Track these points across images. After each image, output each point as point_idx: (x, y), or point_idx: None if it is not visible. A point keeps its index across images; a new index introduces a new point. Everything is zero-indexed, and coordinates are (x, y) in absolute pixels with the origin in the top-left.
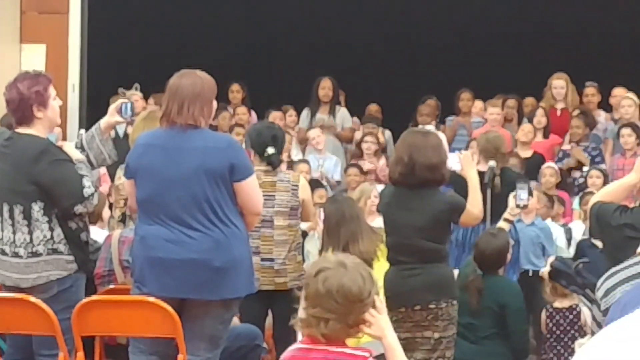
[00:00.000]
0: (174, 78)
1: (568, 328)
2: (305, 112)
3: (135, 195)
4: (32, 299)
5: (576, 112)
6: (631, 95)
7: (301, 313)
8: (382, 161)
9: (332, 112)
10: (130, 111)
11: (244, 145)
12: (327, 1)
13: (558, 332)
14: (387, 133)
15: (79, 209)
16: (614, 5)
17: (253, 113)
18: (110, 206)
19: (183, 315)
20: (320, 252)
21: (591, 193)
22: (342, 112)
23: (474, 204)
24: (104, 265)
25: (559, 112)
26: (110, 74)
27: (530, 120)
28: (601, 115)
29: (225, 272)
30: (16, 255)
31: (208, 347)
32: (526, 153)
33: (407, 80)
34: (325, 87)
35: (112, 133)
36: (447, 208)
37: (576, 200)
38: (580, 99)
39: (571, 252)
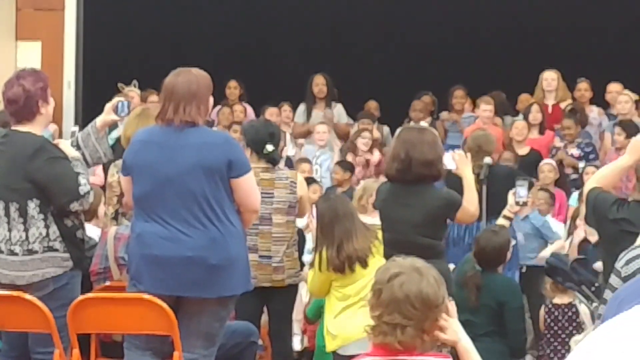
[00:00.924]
0: (170, 77)
1: (566, 324)
2: (302, 108)
3: (132, 192)
4: (28, 296)
5: (568, 109)
6: (627, 91)
7: (296, 312)
8: (377, 155)
9: (327, 107)
10: (126, 109)
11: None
12: None
13: (556, 329)
14: (386, 129)
15: (74, 206)
16: (607, 1)
17: (250, 110)
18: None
19: (179, 312)
20: (315, 250)
21: None
22: (338, 108)
23: (470, 202)
24: (100, 262)
25: (550, 109)
26: (106, 71)
27: (525, 117)
28: (594, 111)
29: (221, 269)
30: (12, 252)
31: (204, 344)
32: (523, 150)
33: (403, 77)
34: (319, 84)
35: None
36: (443, 204)
37: (573, 196)
38: (572, 95)
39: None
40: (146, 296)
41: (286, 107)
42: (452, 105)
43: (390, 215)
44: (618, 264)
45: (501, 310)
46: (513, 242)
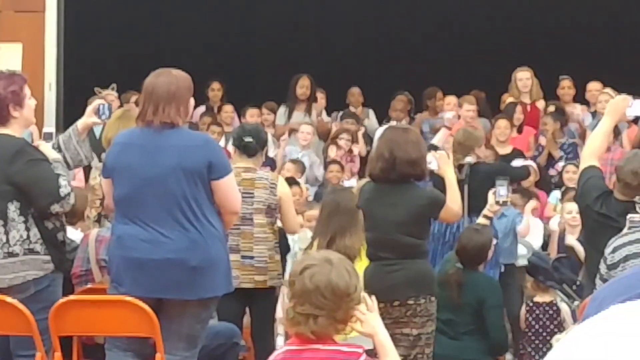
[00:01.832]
0: (150, 77)
1: (547, 323)
2: (282, 109)
3: (112, 195)
4: (9, 299)
5: (550, 109)
6: (608, 90)
7: (279, 312)
8: (355, 150)
9: (308, 109)
10: (108, 112)
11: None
12: None
13: (537, 327)
14: (371, 112)
15: (55, 208)
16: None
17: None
18: None
19: (161, 314)
20: (312, 240)
21: (573, 189)
22: (320, 110)
23: (453, 201)
24: (81, 264)
25: (529, 108)
26: (87, 73)
27: (508, 116)
28: (577, 108)
29: (201, 271)
30: None
31: (186, 346)
32: (505, 149)
33: (384, 76)
34: (304, 86)
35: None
36: (427, 203)
37: (553, 194)
38: (555, 92)
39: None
40: (128, 298)
41: (266, 110)
42: (427, 105)
43: (374, 215)
44: (606, 250)
45: (481, 308)
46: (495, 241)
